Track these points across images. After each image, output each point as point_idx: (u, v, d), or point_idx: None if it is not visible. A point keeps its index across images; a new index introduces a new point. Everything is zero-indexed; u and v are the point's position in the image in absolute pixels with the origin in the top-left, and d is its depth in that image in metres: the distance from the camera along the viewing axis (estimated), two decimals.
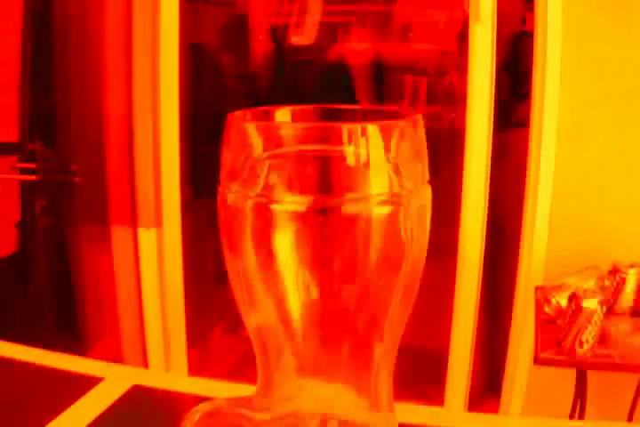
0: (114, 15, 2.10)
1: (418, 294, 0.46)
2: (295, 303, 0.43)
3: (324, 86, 2.82)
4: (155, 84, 2.11)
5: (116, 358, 2.27)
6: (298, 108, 0.49)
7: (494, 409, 2.12)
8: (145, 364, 2.27)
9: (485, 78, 1.94)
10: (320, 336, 0.44)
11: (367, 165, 0.40)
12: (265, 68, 3.02)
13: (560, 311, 1.67)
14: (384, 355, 0.46)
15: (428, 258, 0.46)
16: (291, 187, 0.40)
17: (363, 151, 0.40)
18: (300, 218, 0.41)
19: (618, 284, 1.73)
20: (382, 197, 0.41)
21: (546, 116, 1.88)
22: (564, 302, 1.67)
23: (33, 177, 2.20)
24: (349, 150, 0.40)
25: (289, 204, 0.40)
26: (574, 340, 1.58)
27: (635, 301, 1.74)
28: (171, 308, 2.26)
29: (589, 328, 1.58)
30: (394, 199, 0.41)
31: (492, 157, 1.99)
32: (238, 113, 0.45)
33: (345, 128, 0.40)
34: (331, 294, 0.42)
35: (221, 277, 0.46)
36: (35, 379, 0.70)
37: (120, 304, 2.29)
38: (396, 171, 0.42)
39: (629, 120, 1.88)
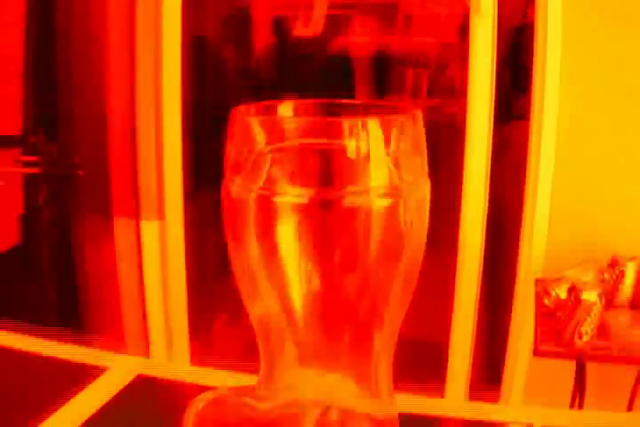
0: (116, 7, 2.10)
1: (418, 286, 0.47)
2: (297, 293, 0.43)
3: (326, 79, 2.81)
4: (157, 76, 2.11)
5: (119, 349, 2.27)
6: (300, 102, 0.49)
7: (494, 400, 2.13)
8: (147, 355, 2.28)
9: (486, 71, 1.94)
10: (321, 326, 0.45)
11: (367, 158, 0.41)
12: (267, 60, 3.02)
13: (560, 304, 1.68)
14: (384, 344, 0.46)
15: (428, 250, 0.46)
16: (293, 180, 0.41)
17: (363, 145, 0.41)
18: (302, 210, 0.41)
19: (617, 276, 1.73)
20: (382, 190, 0.42)
21: (546, 108, 1.88)
22: (563, 295, 1.68)
23: (36, 170, 2.20)
24: (350, 144, 0.41)
25: (291, 196, 0.41)
26: (574, 332, 1.58)
27: (634, 293, 1.74)
28: (173, 299, 2.27)
29: (588, 320, 1.59)
30: (393, 192, 0.42)
31: (492, 150, 1.99)
32: (242, 107, 0.45)
33: (346, 122, 0.41)
34: (332, 284, 0.43)
35: (223, 269, 0.47)
36: (40, 369, 0.71)
37: (123, 296, 2.30)
38: (396, 164, 0.42)
39: (629, 113, 1.88)
